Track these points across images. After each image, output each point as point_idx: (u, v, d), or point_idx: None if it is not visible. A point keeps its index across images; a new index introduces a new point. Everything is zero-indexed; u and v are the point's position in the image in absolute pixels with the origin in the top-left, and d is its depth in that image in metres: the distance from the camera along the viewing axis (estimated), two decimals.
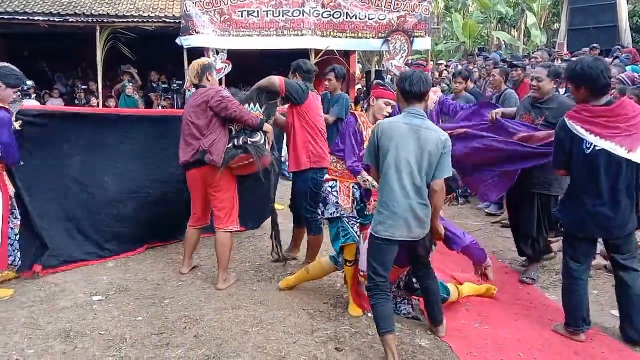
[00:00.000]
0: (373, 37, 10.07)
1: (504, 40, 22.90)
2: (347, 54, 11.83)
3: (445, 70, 12.73)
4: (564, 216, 3.50)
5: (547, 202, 4.28)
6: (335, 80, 5.68)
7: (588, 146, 3.19)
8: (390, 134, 2.99)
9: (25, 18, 9.91)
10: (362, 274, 3.65)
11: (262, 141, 4.09)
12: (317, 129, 4.47)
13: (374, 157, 3.08)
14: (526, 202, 4.32)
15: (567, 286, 3.45)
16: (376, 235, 3.04)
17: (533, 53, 11.32)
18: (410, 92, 3.06)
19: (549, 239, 4.63)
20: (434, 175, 3.01)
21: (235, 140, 4.09)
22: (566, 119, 3.31)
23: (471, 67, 10.18)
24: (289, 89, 4.29)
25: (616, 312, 3.73)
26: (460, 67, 10.87)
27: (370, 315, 3.66)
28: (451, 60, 17.43)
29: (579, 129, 3.22)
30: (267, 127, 4.16)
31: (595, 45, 11.25)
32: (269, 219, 4.84)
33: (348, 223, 3.75)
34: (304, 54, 10.06)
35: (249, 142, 4.02)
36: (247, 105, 4.21)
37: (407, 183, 2.97)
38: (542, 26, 21.97)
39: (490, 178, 4.42)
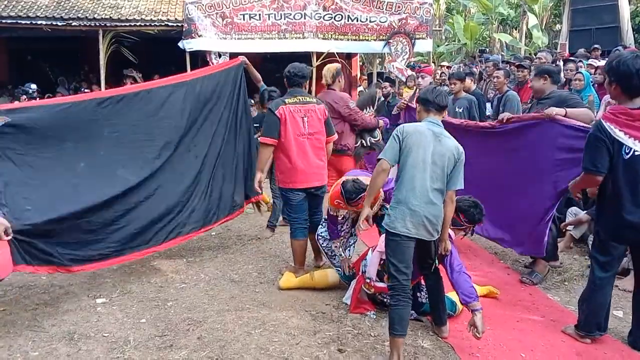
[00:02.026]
0: (374, 40, 10.09)
1: (505, 42, 22.90)
2: (348, 57, 11.84)
3: (445, 71, 12.69)
4: (600, 222, 3.34)
5: None
6: None
7: (627, 151, 3.03)
8: (415, 135, 3.09)
9: (29, 22, 9.95)
10: (367, 281, 3.69)
11: (380, 138, 5.43)
12: (282, 147, 4.19)
13: (394, 153, 3.09)
14: None
15: (588, 291, 3.35)
16: (394, 232, 3.06)
17: (535, 54, 11.34)
18: (432, 103, 3.20)
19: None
20: (448, 184, 3.11)
21: (363, 141, 5.38)
22: (602, 121, 3.11)
23: (475, 70, 10.15)
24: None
25: (618, 313, 3.75)
26: (462, 69, 10.88)
27: (372, 316, 3.69)
28: (453, 62, 17.43)
29: (617, 132, 3.04)
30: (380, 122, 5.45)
31: (596, 45, 11.25)
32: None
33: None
34: (306, 56, 10.09)
35: (373, 141, 5.36)
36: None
37: (428, 183, 3.04)
38: (543, 27, 21.97)
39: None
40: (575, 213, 5.13)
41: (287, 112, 4.12)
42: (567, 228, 5.05)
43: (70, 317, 3.69)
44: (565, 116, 4.00)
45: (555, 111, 4.00)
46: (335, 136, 4.45)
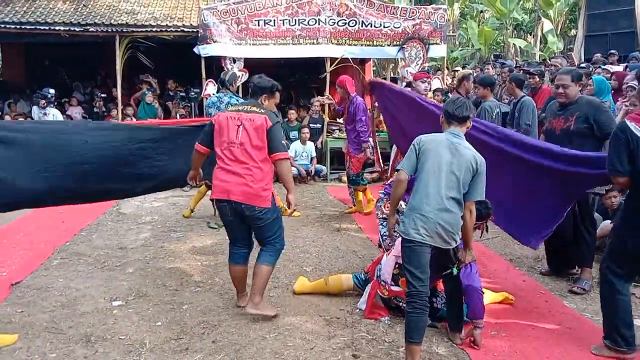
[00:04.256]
0: (388, 45, 10.06)
1: (519, 47, 22.77)
2: (362, 62, 11.84)
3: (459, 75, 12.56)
4: (626, 232, 3.18)
5: (585, 200, 4.18)
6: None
7: None
8: (431, 144, 3.13)
9: (47, 28, 10.09)
10: (383, 284, 3.69)
11: None
12: (217, 154, 3.78)
13: (412, 162, 3.15)
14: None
15: (612, 302, 3.22)
16: (408, 237, 3.06)
17: (550, 60, 11.23)
18: (453, 115, 3.23)
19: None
20: (466, 195, 3.10)
21: None
22: (627, 121, 3.08)
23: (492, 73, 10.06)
24: None
25: (637, 322, 3.69)
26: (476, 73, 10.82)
27: (387, 322, 3.68)
28: (466, 66, 17.34)
29: None
30: None
31: (613, 51, 11.15)
32: None
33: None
34: (319, 62, 10.12)
35: None
36: None
37: (443, 191, 3.04)
38: (558, 32, 21.81)
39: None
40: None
41: (223, 118, 3.74)
42: None
43: (87, 319, 3.73)
44: None
45: None
46: (284, 154, 3.71)
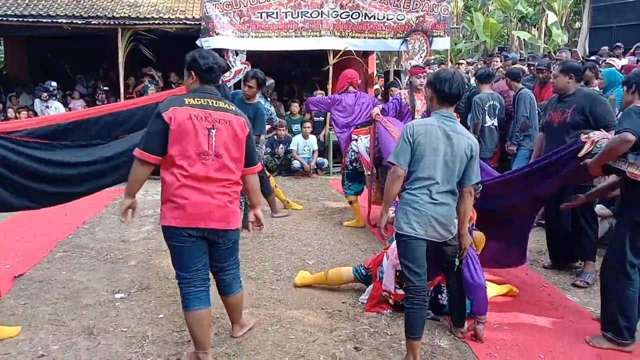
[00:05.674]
0: (391, 37, 10.02)
1: (524, 39, 22.63)
2: (365, 54, 11.79)
3: (462, 68, 12.47)
4: (629, 210, 3.17)
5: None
6: (257, 87, 5.52)
7: None
8: (426, 137, 2.96)
9: (49, 21, 10.07)
10: (385, 293, 3.68)
11: None
12: (171, 166, 2.84)
13: (406, 157, 2.97)
14: (565, 197, 4.12)
15: (624, 295, 3.18)
16: (400, 232, 3.02)
17: (555, 53, 11.14)
18: (448, 95, 3.01)
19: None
20: (462, 181, 3.03)
21: None
22: None
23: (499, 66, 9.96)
24: None
25: None
26: (479, 68, 10.75)
27: (389, 314, 3.68)
28: (472, 59, 17.21)
29: None
30: None
31: (618, 44, 11.06)
32: None
33: None
34: (322, 54, 10.08)
35: None
36: None
37: (437, 186, 2.96)
38: (563, 25, 21.67)
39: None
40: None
41: (183, 118, 2.77)
42: None
43: (90, 311, 3.74)
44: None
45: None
46: (258, 167, 3.15)
